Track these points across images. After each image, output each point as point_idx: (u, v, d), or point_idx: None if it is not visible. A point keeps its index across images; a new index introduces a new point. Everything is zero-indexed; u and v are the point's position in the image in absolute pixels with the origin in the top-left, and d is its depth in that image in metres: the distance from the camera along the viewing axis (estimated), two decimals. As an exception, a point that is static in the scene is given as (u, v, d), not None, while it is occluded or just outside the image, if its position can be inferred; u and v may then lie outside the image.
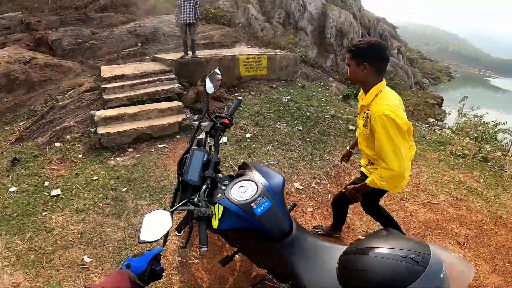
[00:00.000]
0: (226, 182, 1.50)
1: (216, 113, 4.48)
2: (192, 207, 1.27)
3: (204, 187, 1.41)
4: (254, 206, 1.31)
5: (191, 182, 1.44)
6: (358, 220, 2.66)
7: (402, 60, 20.12)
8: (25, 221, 2.62)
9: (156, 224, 1.09)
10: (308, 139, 3.90)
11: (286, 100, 5.01)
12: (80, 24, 7.81)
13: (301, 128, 4.12)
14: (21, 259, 2.27)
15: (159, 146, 3.75)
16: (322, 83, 7.47)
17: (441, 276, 0.90)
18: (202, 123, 1.77)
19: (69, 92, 5.10)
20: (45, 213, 2.70)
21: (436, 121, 10.22)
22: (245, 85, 5.48)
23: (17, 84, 5.13)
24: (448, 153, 3.77)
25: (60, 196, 2.91)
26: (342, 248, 1.29)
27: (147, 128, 3.76)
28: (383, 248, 1.01)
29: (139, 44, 7.35)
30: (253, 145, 3.68)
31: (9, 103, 4.90)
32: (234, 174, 1.62)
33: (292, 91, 5.62)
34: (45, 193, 2.94)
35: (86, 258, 2.26)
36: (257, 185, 1.40)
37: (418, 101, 11.53)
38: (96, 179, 3.11)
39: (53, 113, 4.42)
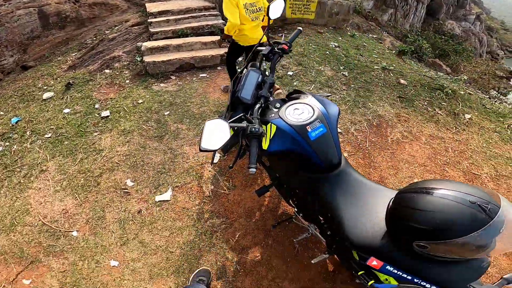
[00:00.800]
0: (278, 104, 1.47)
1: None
2: (245, 124, 1.25)
3: (257, 105, 1.39)
4: (309, 130, 1.27)
5: (244, 100, 1.43)
6: (393, 175, 2.54)
7: (479, 27, 17.48)
8: (77, 142, 2.82)
9: (215, 133, 1.11)
10: (352, 86, 3.63)
11: (333, 46, 4.63)
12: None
13: (346, 74, 3.83)
14: (72, 183, 2.43)
15: (201, 75, 3.80)
16: (375, 36, 6.72)
17: (500, 231, 0.82)
18: (259, 48, 1.77)
19: (116, 27, 5.26)
20: (95, 134, 2.90)
21: (499, 94, 8.98)
22: (289, 27, 5.15)
23: (68, 21, 5.40)
24: (506, 126, 3.30)
25: (109, 117, 3.10)
26: (392, 191, 1.21)
27: (190, 59, 3.83)
28: (449, 191, 0.91)
29: (184, -17, 7.09)
30: (294, 83, 3.55)
31: (61, 38, 5.24)
32: (286, 98, 1.56)
33: (340, 38, 5.16)
34: (96, 115, 3.16)
35: (129, 182, 2.40)
36: (313, 109, 1.34)
37: (485, 70, 10.09)
38: (141, 102, 3.28)
39: (103, 45, 4.64)
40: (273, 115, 1.39)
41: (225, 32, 2.55)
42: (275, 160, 1.52)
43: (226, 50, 4.02)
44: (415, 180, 2.51)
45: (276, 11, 1.73)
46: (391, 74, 4.07)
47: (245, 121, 1.30)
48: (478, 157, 2.81)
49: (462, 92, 3.88)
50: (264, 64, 1.75)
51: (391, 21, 9.61)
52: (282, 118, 1.33)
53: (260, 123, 1.31)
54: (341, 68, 3.96)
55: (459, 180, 2.56)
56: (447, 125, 3.20)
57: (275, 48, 1.68)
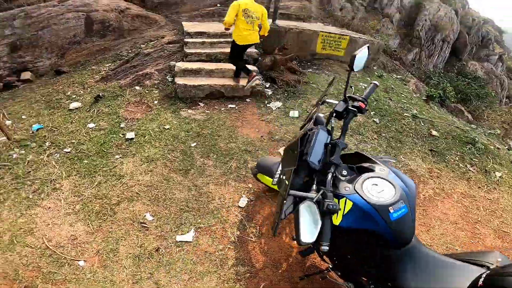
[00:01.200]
0: (344, 172, 1.35)
1: (290, 84, 4.24)
2: (314, 195, 1.16)
3: (329, 175, 1.27)
4: (392, 211, 1.18)
5: (312, 165, 1.30)
6: (425, 232, 2.45)
7: (501, 68, 17.05)
8: (97, 162, 2.67)
9: (307, 218, 1.03)
10: (384, 135, 3.53)
11: (363, 87, 4.59)
12: (170, -21, 7.89)
13: (377, 121, 3.75)
14: (86, 207, 2.26)
15: (229, 106, 3.75)
16: (399, 76, 6.70)
17: None
18: (329, 100, 1.64)
19: (152, 42, 5.33)
20: (117, 156, 2.76)
21: (517, 145, 8.73)
22: (318, 62, 5.16)
23: (109, 30, 5.54)
24: (534, 186, 3.19)
25: (134, 140, 2.99)
26: (469, 266, 1.17)
27: (220, 86, 3.80)
28: None
29: (218, 5, 7.30)
30: (326, 127, 3.48)
31: (99, 46, 5.34)
32: (353, 166, 1.42)
33: (368, 79, 5.14)
34: (120, 135, 3.05)
35: (148, 216, 2.25)
36: (394, 187, 1.25)
37: (508, 119, 9.89)
38: (168, 128, 3.22)
39: (137, 59, 4.69)
40: (347, 188, 1.27)
41: (223, 24, 3.55)
42: (337, 232, 1.41)
43: (257, 81, 4.04)
44: (447, 238, 2.44)
45: (360, 63, 1.46)
46: (422, 123, 3.97)
47: (316, 191, 1.18)
48: (508, 216, 2.79)
49: (492, 147, 3.77)
50: (332, 121, 1.50)
51: (415, 61, 9.63)
52: (360, 195, 1.22)
53: (333, 197, 1.20)
54: (372, 113, 3.89)
55: (490, 237, 2.53)
56: (479, 183, 3.12)
57: (350, 106, 1.48)
